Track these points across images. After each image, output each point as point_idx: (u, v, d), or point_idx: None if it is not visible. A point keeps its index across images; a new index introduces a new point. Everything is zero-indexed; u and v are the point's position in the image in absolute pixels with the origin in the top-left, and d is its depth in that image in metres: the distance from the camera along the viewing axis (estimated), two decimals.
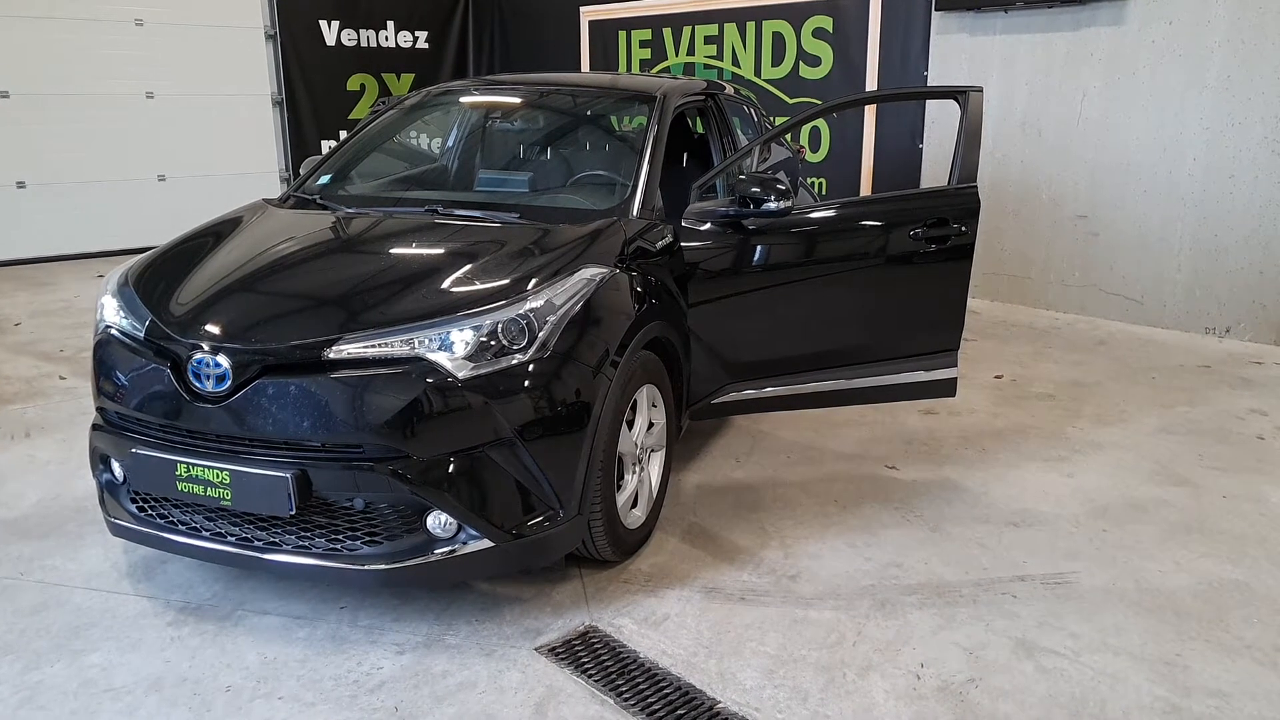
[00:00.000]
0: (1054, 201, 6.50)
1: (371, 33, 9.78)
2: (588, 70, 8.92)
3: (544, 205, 3.63)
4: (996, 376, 5.19)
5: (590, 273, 2.99)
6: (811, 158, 7.54)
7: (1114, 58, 6.08)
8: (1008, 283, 6.82)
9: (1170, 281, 6.11)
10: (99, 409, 2.94)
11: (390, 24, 9.86)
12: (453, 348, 2.65)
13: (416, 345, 2.65)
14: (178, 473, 2.68)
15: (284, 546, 2.70)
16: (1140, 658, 2.72)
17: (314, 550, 2.69)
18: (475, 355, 2.66)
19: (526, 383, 2.71)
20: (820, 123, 7.44)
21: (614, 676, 2.62)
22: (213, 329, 2.72)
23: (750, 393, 3.74)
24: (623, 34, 8.69)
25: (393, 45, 9.91)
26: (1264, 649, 2.76)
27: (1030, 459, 4.09)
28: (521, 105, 4.50)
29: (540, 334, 2.75)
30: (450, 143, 4.62)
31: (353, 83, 9.73)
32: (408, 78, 9.94)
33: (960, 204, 3.62)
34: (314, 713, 2.48)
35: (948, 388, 3.79)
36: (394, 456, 2.60)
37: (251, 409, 2.62)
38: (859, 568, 3.20)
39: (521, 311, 2.74)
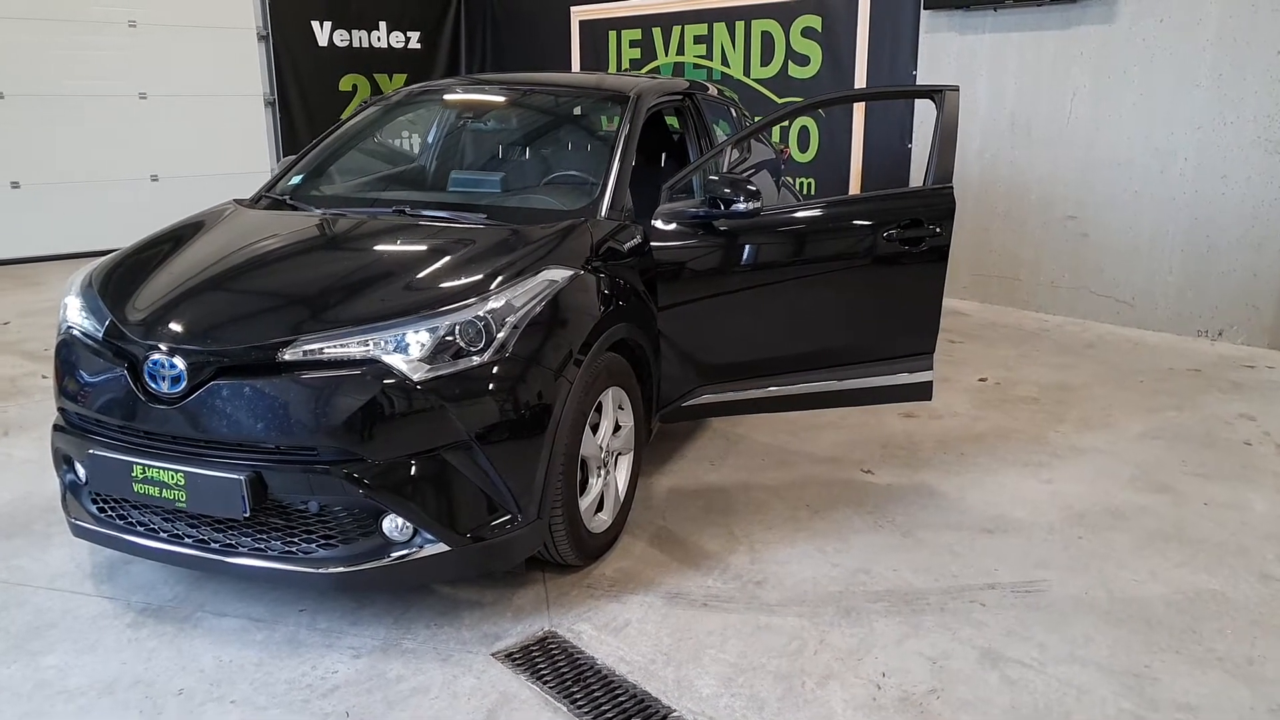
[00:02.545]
0: (1043, 202, 6.45)
1: (363, 33, 9.76)
2: (578, 70, 8.89)
3: (512, 206, 3.60)
4: (980, 379, 5.14)
5: (552, 274, 2.96)
6: (800, 158, 7.50)
7: (1104, 56, 6.03)
8: (996, 284, 6.77)
9: (1161, 283, 6.06)
10: (60, 409, 2.93)
11: (382, 24, 9.84)
12: (408, 349, 2.62)
13: (372, 347, 2.62)
14: (134, 474, 2.66)
15: (240, 549, 2.68)
16: (1108, 669, 2.67)
17: (269, 553, 2.66)
18: (432, 357, 2.63)
19: (484, 385, 2.68)
20: (809, 123, 7.40)
21: (569, 683, 2.59)
22: (169, 330, 2.70)
23: (721, 395, 3.70)
24: (613, 34, 8.66)
25: (385, 46, 9.90)
26: (1236, 661, 2.72)
27: (1009, 464, 4.04)
28: (497, 105, 4.47)
29: (498, 336, 2.72)
30: (427, 142, 4.60)
31: (345, 83, 9.71)
32: (400, 78, 9.92)
33: (935, 205, 3.58)
34: (265, 717, 2.46)
35: (923, 391, 3.75)
36: (348, 459, 2.58)
37: (206, 410, 2.60)
38: (826, 574, 3.16)
39: (479, 313, 2.71)
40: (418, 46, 10.12)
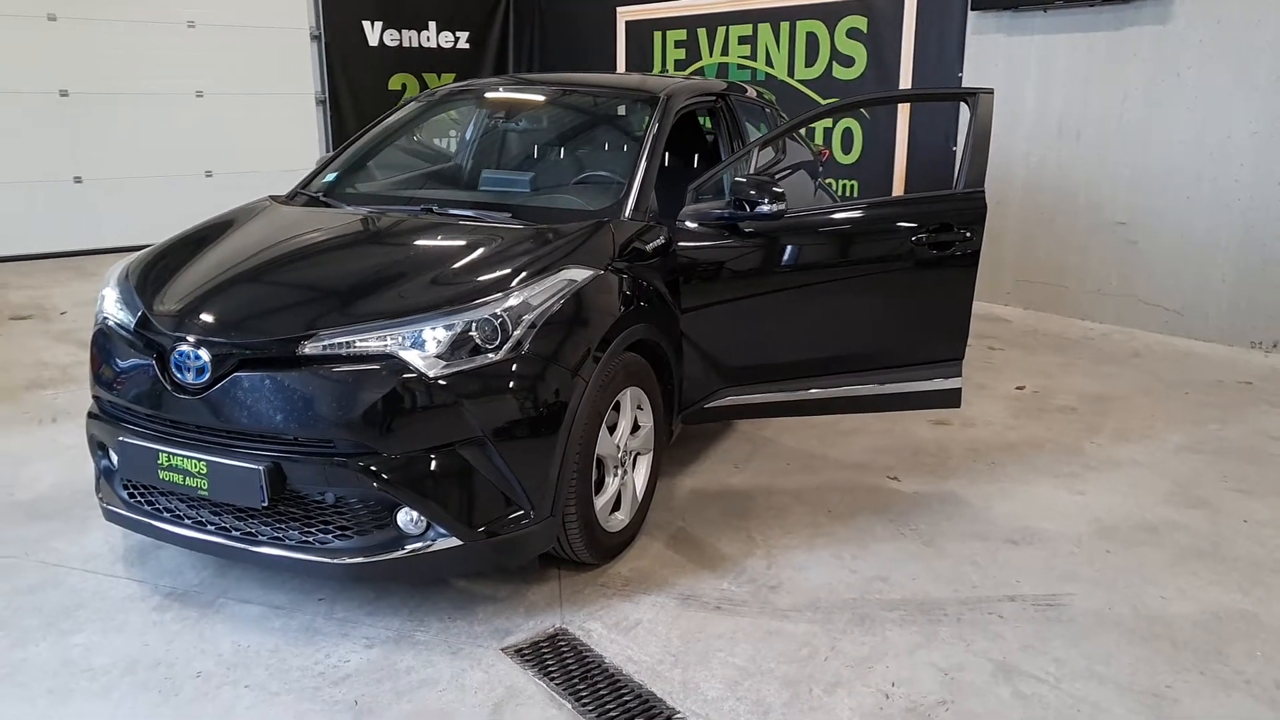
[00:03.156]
0: (1091, 207, 6.32)
1: (413, 33, 9.89)
2: (622, 71, 8.91)
3: (538, 205, 3.62)
4: (1018, 388, 5.05)
5: (572, 274, 2.97)
6: (843, 160, 7.44)
7: (1158, 58, 5.88)
8: (1041, 290, 6.65)
9: (1213, 292, 5.89)
10: (95, 397, 3.02)
11: (432, 25, 9.96)
12: (424, 346, 2.66)
13: (389, 342, 2.66)
14: (159, 461, 2.73)
15: (259, 538, 2.74)
16: (1126, 688, 2.61)
17: (287, 542, 2.71)
18: (447, 354, 2.66)
19: (499, 382, 2.71)
20: (852, 124, 7.34)
21: (576, 681, 2.61)
22: (195, 322, 2.77)
23: (745, 398, 3.69)
24: (658, 34, 8.67)
25: (434, 45, 10.02)
26: (1263, 684, 2.64)
27: (1040, 474, 3.97)
28: (530, 105, 4.50)
29: (514, 334, 2.74)
30: (463, 141, 4.66)
31: (394, 82, 9.86)
32: (448, 77, 10.03)
33: (966, 209, 3.53)
34: (277, 702, 2.51)
35: (952, 398, 3.70)
36: (364, 453, 2.62)
37: (228, 401, 2.66)
38: (843, 580, 3.13)
39: (496, 311, 2.74)
40: (466, 47, 10.24)
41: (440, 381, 2.63)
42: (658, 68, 8.72)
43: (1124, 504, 3.71)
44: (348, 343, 2.66)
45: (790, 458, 4.12)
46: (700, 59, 8.36)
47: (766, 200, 3.37)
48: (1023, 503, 3.71)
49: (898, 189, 7.17)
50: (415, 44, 9.94)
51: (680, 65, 8.53)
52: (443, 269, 2.95)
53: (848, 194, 7.43)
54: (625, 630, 2.84)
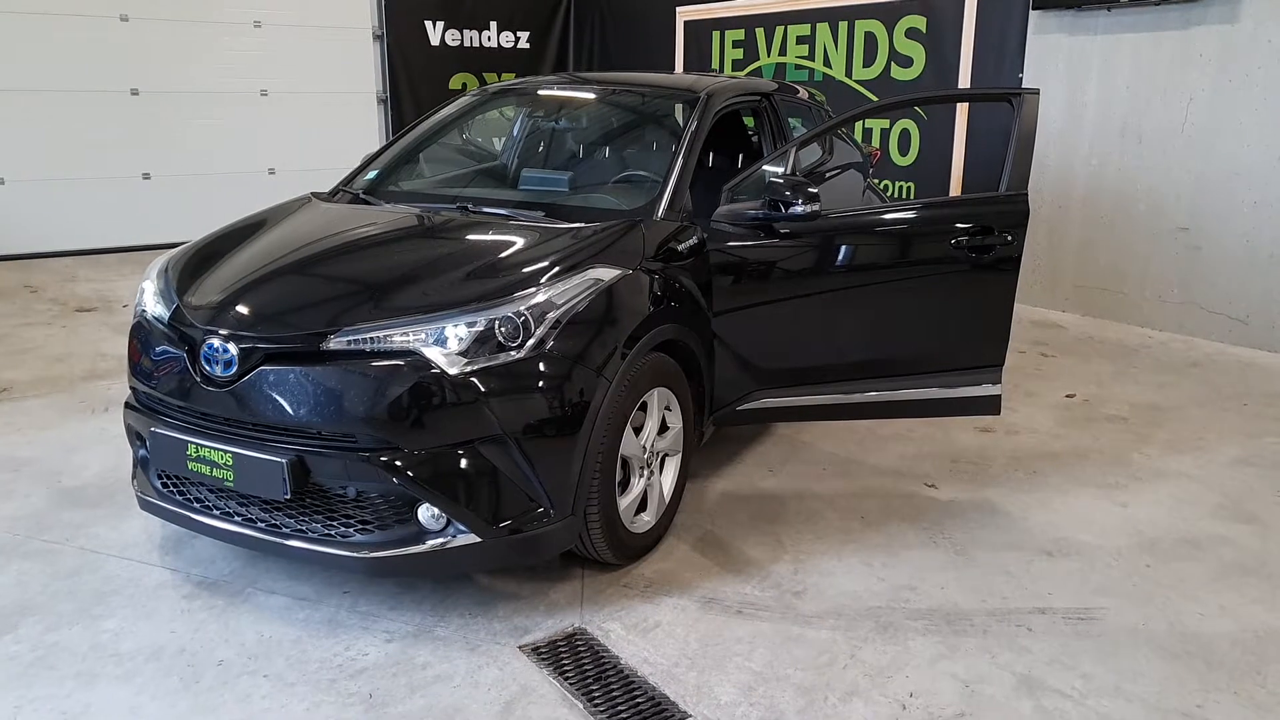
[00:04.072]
0: (1153, 211, 6.12)
1: (474, 33, 10.00)
2: (680, 71, 8.89)
3: (572, 204, 3.62)
4: (1068, 395, 4.92)
5: (599, 273, 2.97)
6: (900, 161, 7.32)
7: (1225, 58, 5.68)
8: (1099, 296, 6.46)
9: None
10: (131, 388, 3.10)
11: (493, 24, 10.06)
12: (447, 343, 2.68)
13: (411, 339, 2.68)
14: (188, 453, 2.80)
15: (283, 529, 2.78)
16: (1155, 706, 2.53)
17: (310, 535, 2.76)
18: (469, 351, 2.68)
19: (520, 381, 2.72)
20: (910, 125, 7.22)
21: (590, 681, 2.60)
22: (224, 316, 2.83)
23: (779, 401, 3.65)
24: (716, 34, 8.63)
25: (494, 45, 10.12)
26: None
27: (1083, 485, 3.86)
28: (573, 105, 4.51)
29: (537, 332, 2.74)
30: (509, 139, 4.69)
31: (455, 82, 9.97)
32: (508, 77, 10.08)
33: (1008, 212, 3.44)
34: (293, 693, 2.55)
35: (992, 405, 3.62)
36: (385, 448, 2.65)
37: (254, 395, 2.71)
38: (869, 588, 3.08)
39: (519, 309, 2.74)
40: (526, 46, 10.31)
41: (462, 379, 2.65)
42: (716, 68, 8.68)
43: (1168, 517, 3.59)
44: (371, 339, 2.69)
45: (827, 462, 4.06)
46: (758, 59, 8.31)
47: (801, 201, 3.33)
48: (1062, 513, 3.61)
49: (954, 191, 7.03)
50: (476, 44, 10.05)
51: (738, 65, 8.49)
52: (469, 267, 2.97)
53: (904, 196, 7.32)
54: (644, 632, 2.83)
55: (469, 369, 2.66)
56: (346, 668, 2.66)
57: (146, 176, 8.64)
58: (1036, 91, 3.57)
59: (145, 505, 3.08)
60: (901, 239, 3.60)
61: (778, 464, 4.04)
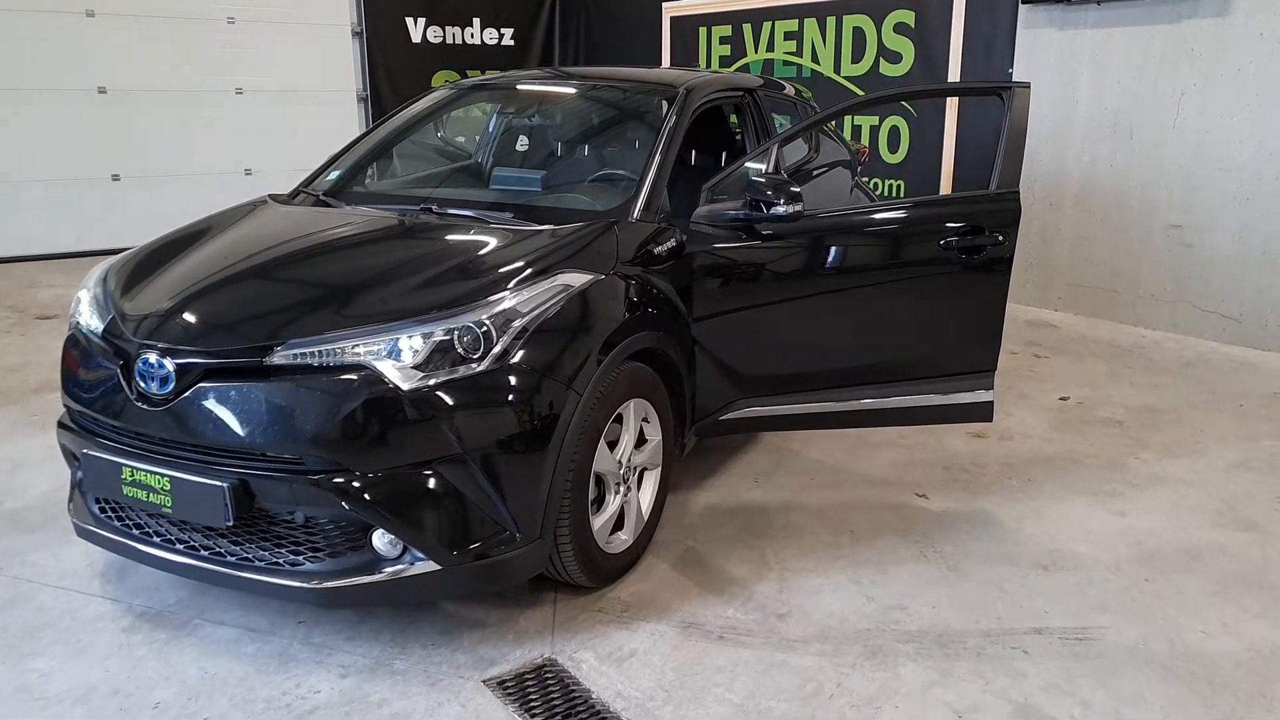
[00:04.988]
0: (1146, 209, 5.98)
1: (457, 30, 9.77)
2: (667, 67, 8.71)
3: (545, 205, 3.44)
4: (1062, 398, 4.76)
5: (568, 278, 2.79)
6: (890, 159, 7.16)
7: (1216, 53, 5.54)
8: (1092, 295, 6.31)
9: (1273, 299, 5.53)
10: (65, 406, 2.89)
11: (476, 21, 9.84)
12: (400, 355, 2.49)
13: (362, 352, 2.49)
14: (123, 476, 2.59)
15: (228, 558, 2.59)
16: None
17: (256, 564, 2.56)
18: (426, 364, 2.49)
19: (481, 395, 2.53)
20: (900, 122, 7.06)
21: (558, 718, 2.42)
22: (161, 329, 2.62)
23: (763, 410, 3.47)
24: (703, 30, 8.45)
25: (478, 42, 9.89)
26: None
27: (1079, 493, 3.70)
28: (548, 101, 4.33)
29: (499, 343, 2.56)
30: (482, 137, 4.50)
31: (437, 79, 9.73)
32: (492, 75, 9.93)
33: (999, 211, 3.28)
34: None
35: (984, 411, 3.45)
36: (334, 470, 2.46)
37: (192, 414, 2.51)
38: (858, 608, 2.91)
39: (479, 318, 2.56)
40: (511, 44, 10.10)
41: (417, 394, 2.46)
42: (703, 64, 8.50)
43: (1167, 526, 3.43)
44: (318, 352, 2.50)
45: (815, 472, 3.89)
46: (745, 55, 8.13)
47: (783, 200, 3.16)
48: (1057, 523, 3.45)
49: (945, 189, 6.88)
50: (459, 41, 9.82)
51: (725, 62, 8.31)
52: (427, 273, 2.77)
53: (893, 194, 7.16)
54: (618, 662, 2.65)
55: (425, 383, 2.48)
56: (295, 708, 2.47)
57: (115, 178, 8.40)
58: (1027, 85, 3.40)
59: (81, 533, 2.85)
60: (889, 240, 3.43)
61: (764, 474, 3.86)
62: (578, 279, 2.81)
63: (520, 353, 2.59)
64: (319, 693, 2.52)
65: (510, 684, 2.56)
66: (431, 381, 2.48)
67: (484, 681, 2.57)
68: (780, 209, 3.16)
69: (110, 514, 2.79)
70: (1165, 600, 2.96)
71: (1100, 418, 4.50)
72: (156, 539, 2.68)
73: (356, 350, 2.49)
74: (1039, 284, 6.57)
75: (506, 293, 2.65)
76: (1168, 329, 5.98)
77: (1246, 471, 3.91)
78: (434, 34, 9.71)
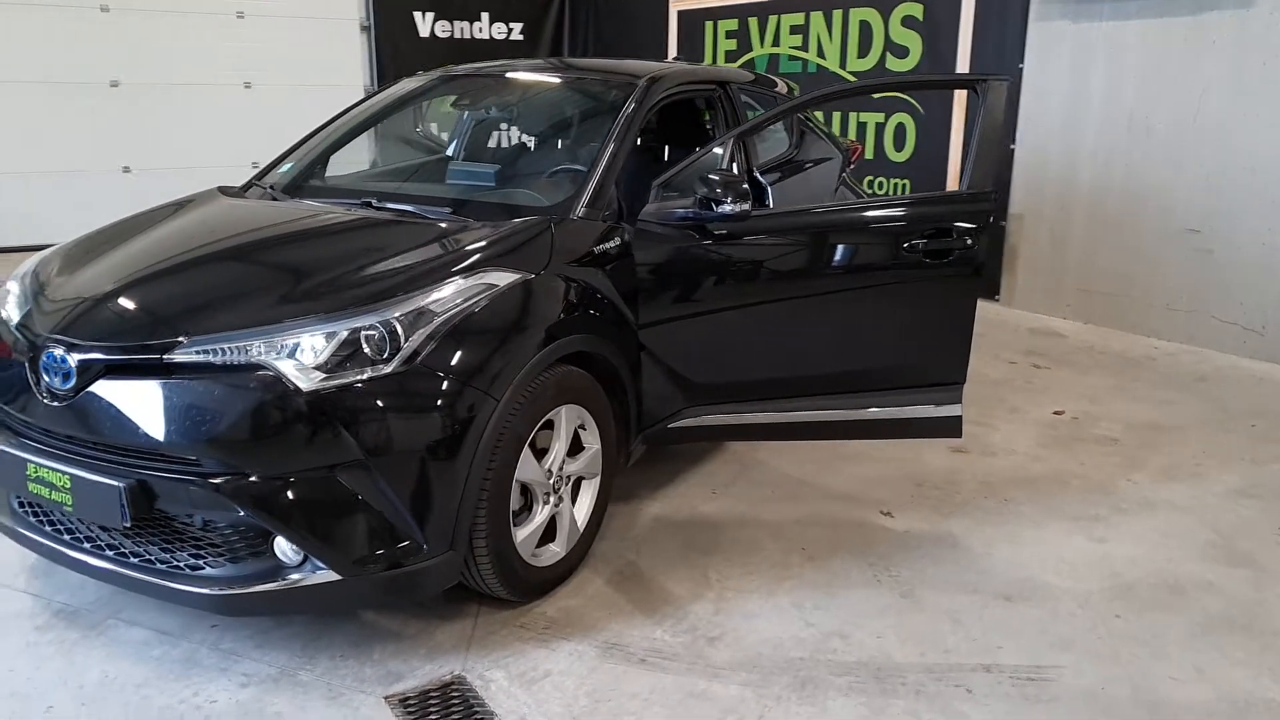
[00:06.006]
0: (1163, 211, 5.69)
1: (465, 24, 9.69)
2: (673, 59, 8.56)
3: (489, 200, 3.30)
4: (1056, 412, 4.52)
5: (492, 277, 2.66)
6: (895, 156, 6.93)
7: (1240, 46, 5.24)
8: (1103, 303, 6.03)
9: None
10: None
11: (485, 16, 9.75)
12: (301, 354, 2.37)
13: (263, 350, 2.38)
14: (28, 472, 2.51)
15: (130, 559, 2.50)
16: None
17: (156, 567, 2.47)
18: (328, 364, 2.37)
19: (387, 399, 2.40)
20: (905, 120, 6.83)
21: None
22: (64, 324, 2.54)
23: (716, 419, 3.31)
24: (709, 25, 8.28)
25: (486, 37, 9.80)
26: None
27: (1058, 516, 3.48)
28: (514, 92, 4.19)
29: (408, 344, 2.43)
30: (454, 129, 4.40)
31: None
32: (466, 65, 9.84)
33: (969, 213, 3.09)
34: None
35: (951, 426, 3.26)
36: (231, 473, 2.34)
37: (92, 410, 2.42)
38: (795, 635, 2.74)
39: (385, 318, 2.43)
40: (520, 38, 9.99)
41: (317, 396, 2.34)
42: (709, 58, 8.33)
43: (1150, 556, 3.21)
44: (220, 350, 2.39)
45: (776, 484, 3.72)
46: (751, 50, 7.95)
47: (730, 199, 2.99)
48: (1031, 549, 3.24)
49: (951, 188, 6.64)
50: (468, 35, 9.73)
51: (731, 56, 8.13)
52: (344, 270, 2.66)
53: (898, 193, 6.93)
54: (529, 683, 2.51)
55: (326, 385, 2.35)
56: (189, 718, 2.36)
57: (126, 170, 8.44)
58: (1006, 79, 3.20)
59: (2, 529, 2.79)
60: (849, 241, 3.23)
61: (723, 485, 3.70)
62: (503, 278, 2.68)
63: (432, 354, 2.46)
64: (215, 702, 2.42)
65: (412, 701, 2.43)
66: (333, 383, 2.36)
67: (386, 698, 2.44)
68: (727, 208, 2.99)
69: (27, 511, 2.71)
70: (1136, 640, 2.74)
71: (1094, 435, 4.26)
72: (67, 537, 2.60)
73: (258, 349, 2.38)
74: (1047, 289, 6.30)
75: (420, 291, 2.52)
76: (1183, 341, 5.69)
77: (1247, 499, 3.65)
78: (442, 29, 9.63)
